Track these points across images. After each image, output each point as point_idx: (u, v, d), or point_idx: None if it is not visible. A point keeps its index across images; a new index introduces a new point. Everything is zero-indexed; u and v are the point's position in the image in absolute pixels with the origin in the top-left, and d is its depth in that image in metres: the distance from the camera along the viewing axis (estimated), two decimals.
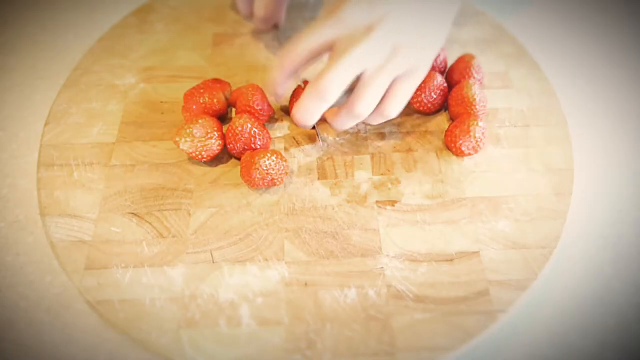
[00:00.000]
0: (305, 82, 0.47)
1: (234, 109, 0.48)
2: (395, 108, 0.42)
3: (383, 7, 0.39)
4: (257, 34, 0.55)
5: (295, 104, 0.41)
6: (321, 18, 0.40)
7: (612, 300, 0.41)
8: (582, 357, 0.39)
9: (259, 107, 0.46)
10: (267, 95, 0.46)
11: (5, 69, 0.56)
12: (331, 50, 0.40)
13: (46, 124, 0.47)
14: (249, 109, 0.45)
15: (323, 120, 0.44)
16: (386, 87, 0.40)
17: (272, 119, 0.48)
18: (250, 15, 0.52)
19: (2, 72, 0.55)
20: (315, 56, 0.41)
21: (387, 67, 0.39)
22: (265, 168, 0.41)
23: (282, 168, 0.42)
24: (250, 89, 0.46)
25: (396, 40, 0.39)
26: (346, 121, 0.42)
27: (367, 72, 0.39)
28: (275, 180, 0.42)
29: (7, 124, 0.51)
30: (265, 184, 0.42)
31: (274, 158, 0.42)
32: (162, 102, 0.49)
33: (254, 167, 0.41)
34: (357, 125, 0.47)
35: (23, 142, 0.50)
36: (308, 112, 0.40)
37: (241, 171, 0.43)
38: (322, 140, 0.47)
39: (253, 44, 0.54)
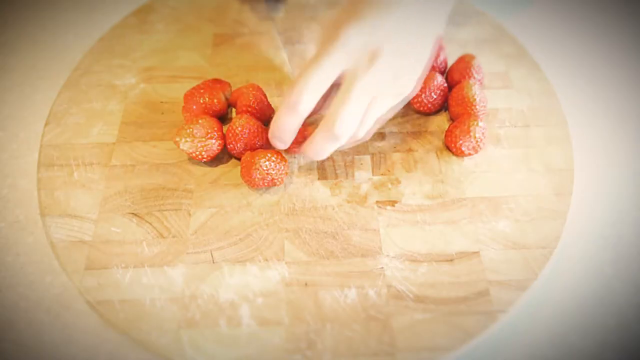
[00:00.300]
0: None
1: (234, 109, 0.48)
2: (367, 129, 0.40)
3: (383, 27, 0.37)
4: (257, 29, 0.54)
5: (308, 143, 0.40)
6: (323, 45, 0.38)
7: (612, 300, 0.41)
8: (582, 357, 0.39)
9: (259, 107, 0.46)
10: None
11: (5, 69, 0.56)
12: (338, 82, 0.39)
13: (46, 124, 0.47)
14: (249, 109, 0.45)
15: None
16: (367, 98, 0.38)
17: (272, 119, 0.48)
18: None
19: (2, 72, 0.55)
20: (325, 91, 0.38)
21: (389, 93, 0.39)
22: (265, 168, 0.41)
23: (282, 168, 0.42)
24: (250, 89, 0.46)
25: (398, 64, 0.38)
26: (325, 144, 0.39)
27: (346, 79, 0.38)
28: (275, 180, 0.42)
29: (7, 124, 0.51)
30: (265, 184, 0.42)
31: (274, 158, 0.42)
32: (162, 102, 0.49)
33: (254, 167, 0.41)
34: None
35: (23, 142, 0.50)
36: (323, 151, 0.39)
37: (241, 171, 0.42)
38: None
39: (253, 44, 0.54)
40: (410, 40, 0.39)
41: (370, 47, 0.37)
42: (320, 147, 0.39)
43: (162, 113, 0.48)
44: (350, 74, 0.37)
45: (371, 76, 0.37)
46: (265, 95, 0.47)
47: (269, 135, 0.41)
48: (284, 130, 0.39)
